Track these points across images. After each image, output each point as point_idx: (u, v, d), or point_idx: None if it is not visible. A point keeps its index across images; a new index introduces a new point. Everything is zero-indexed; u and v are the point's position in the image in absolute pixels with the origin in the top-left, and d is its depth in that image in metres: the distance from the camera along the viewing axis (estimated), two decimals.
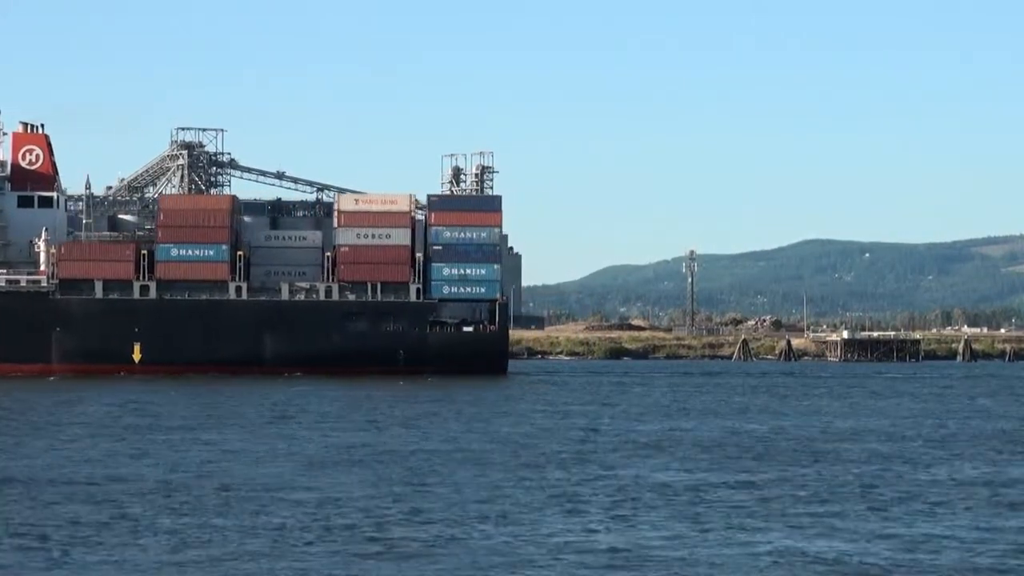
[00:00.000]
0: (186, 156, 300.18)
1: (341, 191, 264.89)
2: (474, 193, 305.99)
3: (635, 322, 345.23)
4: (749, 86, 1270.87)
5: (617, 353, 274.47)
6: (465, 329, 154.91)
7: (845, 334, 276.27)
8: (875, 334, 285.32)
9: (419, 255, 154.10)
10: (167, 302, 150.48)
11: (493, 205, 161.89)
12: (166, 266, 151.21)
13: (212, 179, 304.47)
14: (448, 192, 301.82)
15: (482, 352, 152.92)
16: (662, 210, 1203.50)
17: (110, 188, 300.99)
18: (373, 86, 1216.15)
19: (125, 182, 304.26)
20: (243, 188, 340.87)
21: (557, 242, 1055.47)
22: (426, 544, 36.55)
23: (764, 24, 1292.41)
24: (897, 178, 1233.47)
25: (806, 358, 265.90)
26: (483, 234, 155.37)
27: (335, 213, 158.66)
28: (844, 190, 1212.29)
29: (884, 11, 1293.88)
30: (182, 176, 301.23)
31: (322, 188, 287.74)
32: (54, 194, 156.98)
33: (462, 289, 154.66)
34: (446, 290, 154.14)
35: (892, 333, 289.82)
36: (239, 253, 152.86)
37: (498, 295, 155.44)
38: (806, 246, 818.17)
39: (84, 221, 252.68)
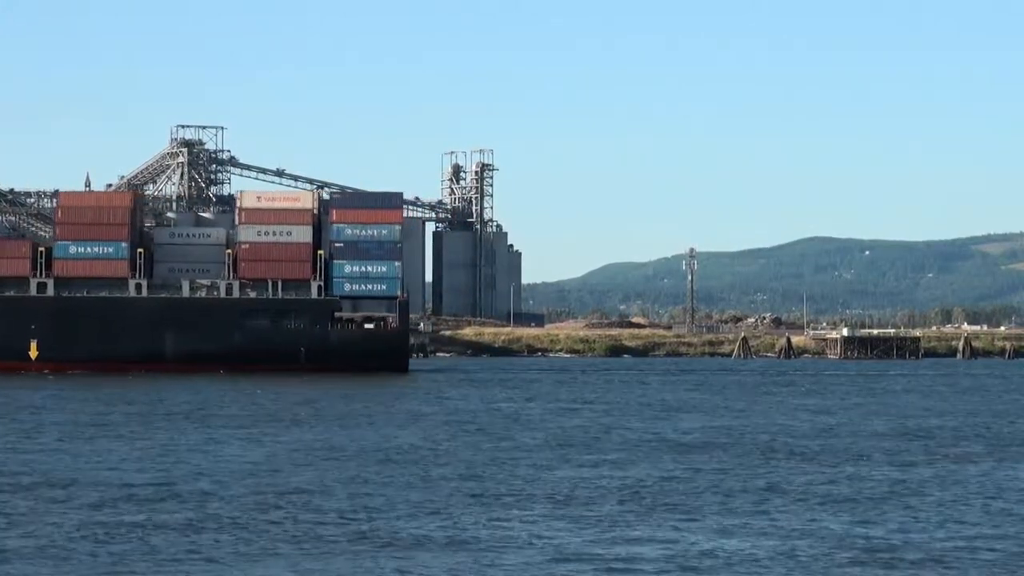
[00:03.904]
0: (186, 154, 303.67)
1: (341, 188, 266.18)
2: (474, 191, 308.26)
3: (635, 320, 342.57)
4: (749, 85, 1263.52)
5: (617, 351, 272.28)
6: (366, 326, 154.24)
7: (845, 331, 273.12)
8: (875, 332, 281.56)
9: (321, 252, 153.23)
10: (63, 299, 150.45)
11: (393, 202, 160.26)
12: (64, 263, 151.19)
13: (212, 176, 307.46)
14: (447, 192, 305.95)
15: (383, 350, 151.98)
16: (662, 208, 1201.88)
17: (110, 186, 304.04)
18: (373, 84, 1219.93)
19: (125, 180, 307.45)
20: (243, 185, 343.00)
21: (557, 240, 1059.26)
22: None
23: (764, 23, 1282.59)
24: (897, 176, 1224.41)
25: (806, 356, 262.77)
26: (384, 231, 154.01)
27: (236, 210, 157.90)
28: (844, 188, 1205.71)
29: (885, 11, 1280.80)
30: (182, 173, 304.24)
31: (322, 186, 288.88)
32: None
33: (364, 287, 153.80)
34: (348, 287, 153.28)
35: (892, 331, 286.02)
36: (140, 251, 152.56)
37: (399, 292, 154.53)
38: (806, 244, 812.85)
39: None
